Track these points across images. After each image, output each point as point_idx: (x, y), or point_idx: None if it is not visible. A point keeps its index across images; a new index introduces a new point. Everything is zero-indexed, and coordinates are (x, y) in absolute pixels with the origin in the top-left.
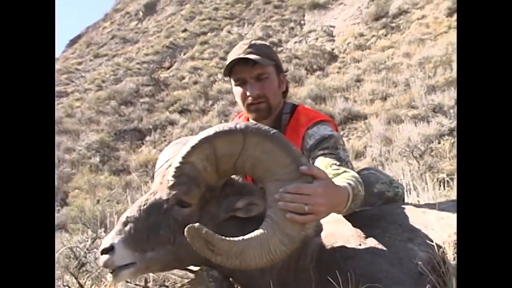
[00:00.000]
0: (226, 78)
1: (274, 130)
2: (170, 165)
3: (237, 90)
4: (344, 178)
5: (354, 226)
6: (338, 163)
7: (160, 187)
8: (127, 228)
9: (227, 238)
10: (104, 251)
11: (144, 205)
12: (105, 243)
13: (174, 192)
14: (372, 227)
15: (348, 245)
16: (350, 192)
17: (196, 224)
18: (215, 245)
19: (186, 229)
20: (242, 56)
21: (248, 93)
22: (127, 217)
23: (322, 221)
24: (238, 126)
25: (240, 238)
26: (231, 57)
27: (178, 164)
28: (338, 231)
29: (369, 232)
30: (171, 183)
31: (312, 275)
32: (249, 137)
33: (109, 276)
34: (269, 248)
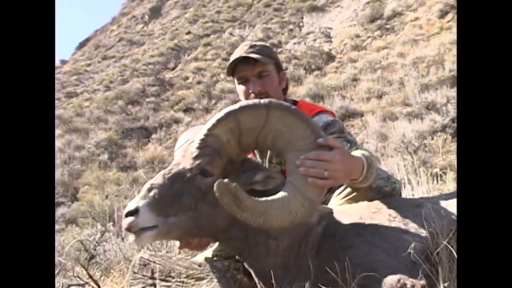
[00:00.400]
0: (229, 78)
1: (294, 106)
2: (193, 140)
3: (240, 88)
4: (357, 151)
5: (353, 218)
6: (348, 144)
7: (183, 159)
8: (151, 193)
9: (253, 197)
10: (128, 214)
11: (168, 173)
12: (130, 206)
13: (198, 162)
14: (370, 219)
15: (347, 236)
16: (364, 161)
17: (226, 180)
18: (242, 202)
19: (216, 184)
20: (244, 55)
21: (250, 90)
22: (152, 184)
23: (324, 212)
24: (262, 101)
25: (264, 199)
26: (233, 57)
27: (203, 136)
28: (338, 223)
29: (366, 224)
30: (195, 153)
31: (310, 262)
32: (272, 111)
33: (132, 237)
34: (290, 210)
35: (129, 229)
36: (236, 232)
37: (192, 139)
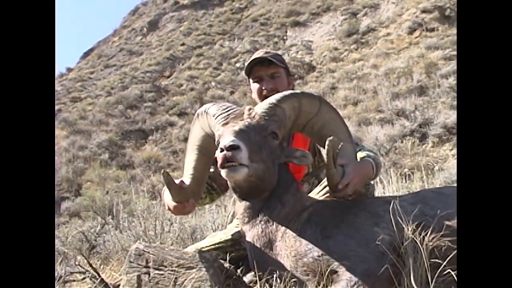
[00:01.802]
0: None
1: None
2: (252, 108)
3: (254, 86)
4: (363, 153)
5: (334, 211)
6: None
7: (248, 119)
8: (244, 137)
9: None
10: (230, 148)
11: (248, 124)
12: (231, 141)
13: (270, 124)
14: (347, 213)
15: (328, 227)
16: (372, 163)
17: (336, 138)
18: (335, 164)
19: (330, 139)
20: (260, 57)
21: (263, 87)
22: (240, 129)
23: (313, 201)
24: (316, 94)
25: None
26: (251, 60)
27: (272, 105)
28: (322, 213)
29: (344, 217)
30: (266, 118)
31: (292, 243)
32: (324, 104)
33: (224, 171)
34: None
35: (230, 160)
36: (274, 191)
37: (248, 107)
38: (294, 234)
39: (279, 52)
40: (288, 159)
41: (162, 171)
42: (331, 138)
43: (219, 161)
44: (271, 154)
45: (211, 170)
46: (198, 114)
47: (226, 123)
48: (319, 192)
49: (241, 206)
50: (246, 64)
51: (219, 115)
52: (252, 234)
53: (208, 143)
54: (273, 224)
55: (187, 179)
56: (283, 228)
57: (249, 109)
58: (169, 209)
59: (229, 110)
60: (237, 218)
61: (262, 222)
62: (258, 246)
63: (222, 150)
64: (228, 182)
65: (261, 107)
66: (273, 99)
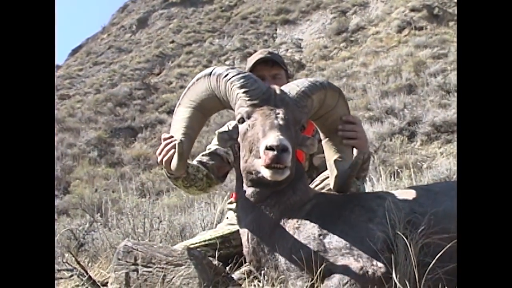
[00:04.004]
0: None
1: None
2: (284, 91)
3: None
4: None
5: (330, 207)
6: None
7: (282, 107)
8: (289, 135)
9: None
10: (281, 149)
11: (288, 117)
12: (281, 141)
13: (303, 117)
14: (343, 209)
15: (325, 223)
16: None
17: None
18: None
19: (360, 152)
20: (265, 57)
21: None
22: (284, 124)
23: (317, 193)
24: (336, 86)
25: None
26: (254, 58)
27: (303, 95)
28: (323, 207)
29: (340, 213)
30: (299, 107)
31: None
32: (341, 98)
33: (269, 172)
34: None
35: (280, 162)
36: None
37: (278, 89)
38: (295, 226)
39: (269, 50)
40: (300, 146)
41: (179, 140)
42: (360, 152)
43: (267, 160)
44: (296, 147)
45: (212, 162)
46: (210, 74)
47: (258, 105)
48: (317, 186)
49: (249, 190)
50: (249, 61)
51: (246, 89)
52: (253, 218)
53: (213, 104)
54: (278, 210)
55: (180, 137)
56: (286, 217)
57: (282, 93)
58: (166, 169)
59: (256, 85)
60: (236, 202)
61: (268, 208)
62: (257, 231)
63: (271, 149)
64: (244, 172)
65: (292, 93)
66: (304, 86)
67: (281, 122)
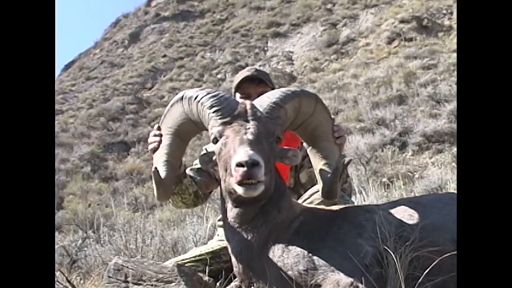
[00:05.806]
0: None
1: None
2: (255, 105)
3: None
4: None
5: (318, 223)
6: None
7: (252, 122)
8: (260, 149)
9: None
10: (251, 165)
11: (259, 131)
12: (251, 156)
13: (276, 129)
14: (331, 224)
15: (314, 240)
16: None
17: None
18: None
19: (340, 156)
20: (251, 75)
21: None
22: (254, 138)
23: (304, 209)
24: (312, 92)
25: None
26: (241, 76)
27: (275, 105)
28: (311, 224)
29: (328, 229)
30: (272, 119)
31: (277, 257)
32: (319, 103)
33: (242, 189)
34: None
35: (251, 178)
36: (270, 197)
37: (249, 104)
38: (283, 245)
39: (260, 63)
40: (281, 159)
41: (153, 168)
42: (341, 155)
43: (238, 177)
44: (274, 159)
45: (198, 178)
46: (182, 98)
47: (229, 123)
48: (305, 201)
49: (234, 211)
50: (235, 79)
51: (216, 108)
52: (241, 238)
53: (189, 128)
54: (266, 230)
55: (163, 167)
56: (274, 236)
57: (252, 107)
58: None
59: (226, 103)
60: (223, 223)
61: (256, 228)
62: (246, 251)
63: (241, 165)
64: (225, 192)
65: (264, 106)
66: (274, 98)
67: (249, 137)
